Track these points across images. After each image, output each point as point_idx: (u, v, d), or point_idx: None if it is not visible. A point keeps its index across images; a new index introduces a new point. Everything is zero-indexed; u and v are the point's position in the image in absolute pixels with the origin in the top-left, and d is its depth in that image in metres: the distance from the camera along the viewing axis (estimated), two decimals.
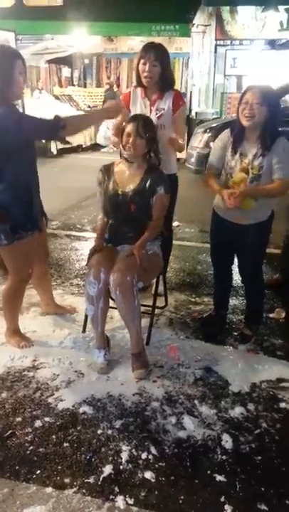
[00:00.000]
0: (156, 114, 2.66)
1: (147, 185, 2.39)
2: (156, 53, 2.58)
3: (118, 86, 11.45)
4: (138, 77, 2.69)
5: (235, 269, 2.70)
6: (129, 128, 2.34)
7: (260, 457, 1.84)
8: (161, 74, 2.62)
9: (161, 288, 2.84)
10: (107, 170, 2.50)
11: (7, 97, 2.18)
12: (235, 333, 2.72)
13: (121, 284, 2.20)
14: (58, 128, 2.20)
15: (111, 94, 10.59)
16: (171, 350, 2.53)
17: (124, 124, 2.42)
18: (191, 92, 9.53)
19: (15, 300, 2.55)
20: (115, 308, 2.40)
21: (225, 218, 2.46)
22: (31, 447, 1.88)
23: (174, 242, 3.36)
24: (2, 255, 2.41)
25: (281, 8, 8.66)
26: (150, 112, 2.67)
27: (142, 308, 2.43)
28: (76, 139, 10.22)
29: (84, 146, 10.58)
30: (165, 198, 2.43)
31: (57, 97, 10.86)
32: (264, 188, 2.28)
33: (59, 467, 1.79)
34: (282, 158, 2.23)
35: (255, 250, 2.50)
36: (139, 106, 2.72)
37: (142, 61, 2.60)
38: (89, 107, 11.22)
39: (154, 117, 2.63)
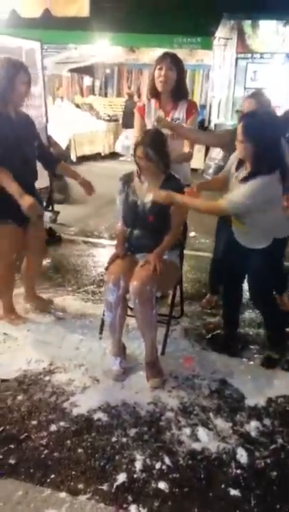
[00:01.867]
0: None
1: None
2: (172, 59, 2.64)
3: (139, 96, 11.57)
4: (152, 87, 2.72)
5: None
6: (139, 152, 2.34)
7: (275, 473, 1.82)
8: (176, 81, 2.66)
9: (177, 298, 2.84)
10: (127, 180, 2.52)
11: (7, 103, 2.48)
12: (252, 346, 2.70)
13: (141, 293, 2.21)
14: None
15: (131, 105, 10.70)
16: (187, 361, 2.52)
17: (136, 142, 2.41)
18: (210, 104, 9.59)
19: (5, 284, 2.83)
20: (132, 316, 2.41)
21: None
22: (46, 451, 1.89)
23: (190, 252, 3.37)
24: None
25: None
26: None
27: (158, 318, 2.43)
28: (95, 148, 10.35)
29: (103, 154, 10.69)
30: (181, 208, 2.43)
31: (78, 106, 11.01)
32: (203, 203, 2.32)
33: (73, 472, 1.79)
34: (243, 188, 2.17)
35: (259, 276, 2.44)
36: (153, 118, 2.73)
37: (158, 67, 2.65)
38: (108, 116, 11.35)
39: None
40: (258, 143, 2.09)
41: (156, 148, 2.32)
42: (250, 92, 3.05)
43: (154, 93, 2.73)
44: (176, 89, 2.69)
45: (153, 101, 2.77)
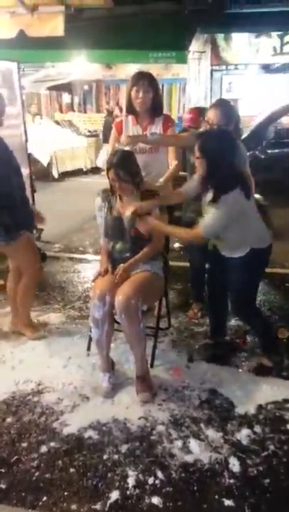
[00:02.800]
0: None
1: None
2: (149, 81, 2.73)
3: (121, 110, 11.68)
4: (130, 104, 2.80)
5: None
6: (111, 174, 2.37)
7: (268, 480, 1.83)
8: (152, 99, 2.75)
9: (164, 310, 2.85)
10: (106, 195, 2.53)
11: None
12: (240, 354, 2.72)
13: (126, 308, 2.21)
14: None
15: (110, 120, 10.80)
16: (176, 373, 2.53)
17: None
18: None
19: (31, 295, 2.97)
20: (119, 330, 2.41)
21: None
22: (37, 473, 1.86)
23: (175, 263, 3.40)
24: None
25: (274, 34, 8.94)
26: None
27: (146, 331, 2.44)
28: (77, 163, 10.40)
29: (85, 169, 10.73)
30: (160, 219, 2.44)
31: (58, 123, 11.07)
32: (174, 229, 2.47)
33: (65, 493, 1.77)
34: (211, 212, 2.25)
35: (237, 287, 2.47)
36: (131, 132, 2.82)
37: (134, 88, 2.73)
38: (89, 131, 11.42)
39: None
40: (213, 159, 2.20)
41: (126, 168, 2.34)
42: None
43: (131, 110, 2.81)
44: (153, 107, 2.79)
45: (130, 117, 2.85)
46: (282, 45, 9.15)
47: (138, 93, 2.72)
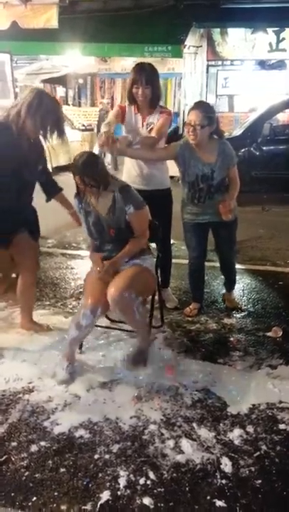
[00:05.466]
0: (147, 128, 2.88)
1: (117, 206, 2.39)
2: (148, 76, 2.78)
3: (112, 107, 11.61)
4: (130, 95, 2.87)
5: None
6: (77, 180, 2.32)
7: (260, 481, 1.81)
8: (152, 93, 2.83)
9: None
10: (82, 196, 2.47)
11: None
12: (233, 353, 2.71)
13: (120, 301, 2.23)
14: None
15: (105, 114, 10.73)
16: (168, 371, 2.51)
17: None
18: (184, 111, 9.68)
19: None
20: (113, 328, 2.40)
21: None
22: (27, 473, 1.84)
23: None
24: None
25: (270, 30, 8.89)
26: (142, 126, 2.88)
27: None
28: (71, 157, 10.30)
29: None
30: (137, 215, 2.39)
31: None
32: None
33: (55, 493, 1.75)
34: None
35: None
36: (133, 121, 2.91)
37: (135, 85, 2.80)
38: (83, 125, 11.34)
39: (145, 131, 2.86)
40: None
41: (90, 173, 2.28)
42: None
43: (132, 101, 2.90)
44: (152, 98, 2.86)
45: (132, 106, 2.93)
46: (278, 41, 9.12)
47: (138, 90, 2.78)
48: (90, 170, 2.28)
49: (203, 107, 2.80)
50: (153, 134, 2.82)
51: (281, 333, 2.90)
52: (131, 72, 2.85)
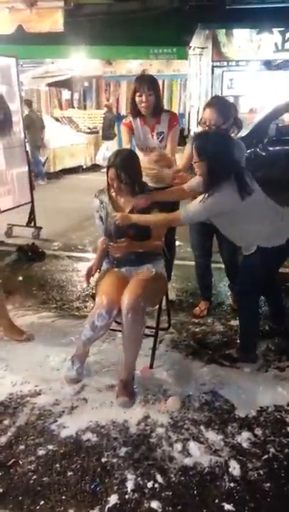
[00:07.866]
0: (158, 138, 2.91)
1: (139, 209, 2.39)
2: (150, 84, 2.84)
3: (117, 108, 11.61)
4: (134, 107, 2.91)
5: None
6: (111, 174, 2.33)
7: (269, 484, 1.80)
8: (155, 101, 2.87)
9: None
10: (103, 196, 2.49)
11: None
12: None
13: (134, 308, 2.17)
14: None
15: (110, 117, 10.74)
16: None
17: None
18: (189, 112, 9.67)
19: None
20: (118, 330, 2.38)
21: None
22: (35, 476, 1.84)
23: (176, 262, 3.37)
24: None
25: (275, 30, 8.86)
26: (152, 138, 2.91)
27: (145, 331, 2.40)
28: (77, 160, 10.35)
29: (84, 166, 10.69)
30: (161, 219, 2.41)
31: (57, 119, 11.00)
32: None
33: (63, 497, 1.74)
34: (201, 201, 2.27)
35: (241, 280, 2.66)
36: (141, 134, 2.95)
37: (137, 93, 2.85)
38: (89, 128, 11.36)
39: (156, 142, 2.89)
40: (210, 160, 2.22)
41: (127, 169, 2.30)
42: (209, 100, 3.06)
43: (137, 113, 2.93)
44: (156, 106, 2.90)
45: (138, 119, 2.96)
46: (283, 41, 9.08)
47: (141, 98, 2.83)
48: (128, 166, 2.31)
49: (217, 105, 2.70)
50: (167, 151, 2.87)
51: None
52: (134, 84, 2.91)
